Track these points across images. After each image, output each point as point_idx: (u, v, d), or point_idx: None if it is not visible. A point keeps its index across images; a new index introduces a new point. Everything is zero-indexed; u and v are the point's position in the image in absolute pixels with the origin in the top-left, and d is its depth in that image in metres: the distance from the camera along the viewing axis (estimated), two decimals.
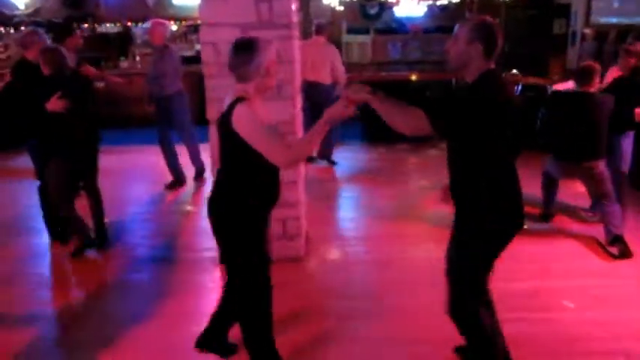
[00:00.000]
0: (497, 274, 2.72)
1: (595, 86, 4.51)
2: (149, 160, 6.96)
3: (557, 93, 4.78)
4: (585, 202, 5.15)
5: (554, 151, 4.73)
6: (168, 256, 4.60)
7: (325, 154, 7.22)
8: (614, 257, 4.28)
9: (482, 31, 2.46)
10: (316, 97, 6.70)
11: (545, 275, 4.05)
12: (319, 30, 6.93)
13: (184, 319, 3.60)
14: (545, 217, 5.12)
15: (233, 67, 2.66)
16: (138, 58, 10.35)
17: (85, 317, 3.70)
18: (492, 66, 2.50)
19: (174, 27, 11.42)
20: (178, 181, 6.30)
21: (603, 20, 8.77)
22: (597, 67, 4.53)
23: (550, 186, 5.00)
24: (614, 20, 8.71)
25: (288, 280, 4.08)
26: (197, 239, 4.90)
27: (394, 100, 2.50)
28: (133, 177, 6.99)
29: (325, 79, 6.84)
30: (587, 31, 9.86)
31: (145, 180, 6.77)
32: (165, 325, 3.55)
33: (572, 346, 3.20)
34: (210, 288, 4.07)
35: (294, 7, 4.07)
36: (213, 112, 4.11)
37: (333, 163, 7.27)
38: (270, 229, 4.24)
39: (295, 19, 4.13)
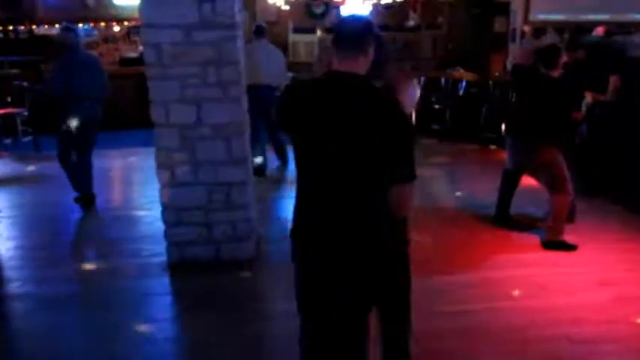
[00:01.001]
0: (441, 267, 2.78)
1: (558, 70, 4.42)
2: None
3: (518, 67, 4.72)
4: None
5: (505, 126, 4.70)
6: (112, 263, 4.49)
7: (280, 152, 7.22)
8: (553, 247, 4.42)
9: None
10: (260, 101, 6.43)
11: (490, 266, 4.16)
12: (261, 32, 6.85)
13: (130, 328, 3.53)
14: (500, 220, 4.86)
15: None
16: None
17: (24, 332, 3.58)
18: None
19: (116, 28, 11.17)
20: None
21: (541, 17, 9.05)
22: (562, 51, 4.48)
23: (507, 184, 4.82)
24: (551, 17, 9.01)
25: (239, 282, 4.06)
26: (143, 245, 4.81)
27: None
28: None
29: (271, 81, 6.79)
30: (526, 28, 10.17)
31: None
32: (109, 337, 3.46)
33: (515, 334, 3.30)
34: (159, 294, 4.01)
35: (237, 7, 4.04)
36: (157, 115, 4.05)
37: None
38: (220, 231, 4.26)
39: (239, 19, 4.10)
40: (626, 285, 3.88)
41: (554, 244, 4.40)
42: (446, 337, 3.27)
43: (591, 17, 8.06)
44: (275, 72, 6.68)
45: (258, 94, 6.43)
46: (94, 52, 11.19)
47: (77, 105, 5.33)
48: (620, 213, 5.16)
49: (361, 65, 2.10)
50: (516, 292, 3.78)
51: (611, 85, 5.69)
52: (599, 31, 6.15)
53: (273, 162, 7.04)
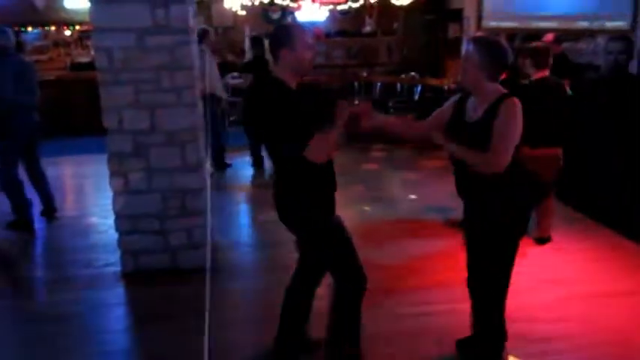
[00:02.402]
0: (399, 271, 2.80)
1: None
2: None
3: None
4: None
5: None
6: (64, 274, 4.35)
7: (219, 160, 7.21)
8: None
9: None
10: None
11: (450, 267, 4.21)
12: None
13: (83, 340, 3.42)
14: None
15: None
16: None
17: None
18: None
19: (67, 32, 10.90)
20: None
21: (493, 24, 9.26)
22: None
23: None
24: (503, 24, 9.23)
25: (195, 290, 3.99)
26: (97, 254, 4.68)
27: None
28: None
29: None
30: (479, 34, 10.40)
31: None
32: (62, 350, 3.36)
33: None
34: (112, 304, 3.90)
35: (191, 12, 3.99)
36: (109, 121, 3.96)
37: (228, 165, 7.27)
38: (176, 238, 4.18)
39: (193, 24, 4.05)
40: (576, 284, 3.99)
41: (545, 239, 4.60)
42: (404, 339, 3.30)
43: (541, 25, 8.31)
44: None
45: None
46: (44, 57, 10.92)
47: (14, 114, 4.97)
48: (580, 220, 5.17)
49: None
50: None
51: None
52: (549, 37, 6.33)
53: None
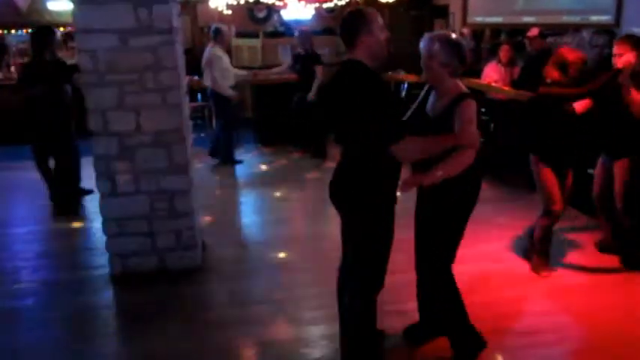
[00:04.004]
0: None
1: None
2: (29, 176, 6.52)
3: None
4: None
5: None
6: (51, 277, 4.32)
7: (228, 157, 7.30)
8: None
9: None
10: (213, 103, 7.18)
11: None
12: (216, 35, 6.93)
13: (71, 344, 3.41)
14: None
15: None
16: (13, 69, 9.65)
17: None
18: None
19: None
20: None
21: (479, 20, 9.30)
22: None
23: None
24: (488, 20, 9.27)
25: (187, 291, 3.99)
26: (85, 257, 4.66)
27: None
28: (12, 195, 6.50)
29: (211, 84, 6.95)
30: (465, 30, 10.43)
31: (25, 198, 6.33)
32: (50, 354, 3.34)
33: None
34: (101, 307, 3.89)
35: (175, 11, 3.97)
36: (94, 123, 3.93)
37: (238, 162, 7.32)
38: (164, 240, 4.16)
39: (177, 24, 4.03)
40: (562, 277, 4.02)
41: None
42: (390, 335, 3.30)
43: (526, 20, 8.36)
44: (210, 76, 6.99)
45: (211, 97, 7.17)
46: (27, 60, 10.79)
47: None
48: (573, 215, 5.13)
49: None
50: (460, 288, 3.85)
51: None
52: (534, 32, 6.37)
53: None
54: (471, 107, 2.76)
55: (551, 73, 3.88)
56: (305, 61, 7.43)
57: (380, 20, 2.67)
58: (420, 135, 2.79)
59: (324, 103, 2.81)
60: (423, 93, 3.04)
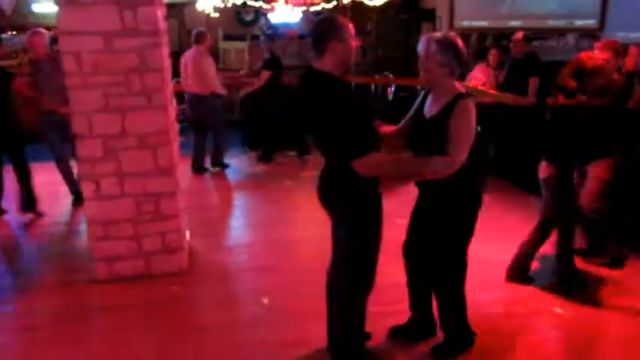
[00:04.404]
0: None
1: None
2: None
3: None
4: None
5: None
6: (39, 282, 4.27)
7: (216, 159, 7.24)
8: None
9: None
10: (196, 109, 6.95)
11: None
12: (196, 39, 6.84)
13: (62, 348, 3.36)
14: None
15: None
16: None
17: None
18: None
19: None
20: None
21: (465, 24, 9.36)
22: None
23: None
24: (474, 24, 9.34)
25: (172, 295, 3.96)
26: (70, 261, 4.60)
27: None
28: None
29: (198, 89, 6.80)
30: (452, 34, 10.47)
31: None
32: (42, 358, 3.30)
33: None
34: (88, 312, 3.84)
35: (160, 13, 3.95)
36: (79, 125, 3.90)
37: (225, 166, 7.27)
38: (150, 243, 4.13)
39: (162, 25, 4.01)
40: (547, 278, 4.04)
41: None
42: (379, 336, 3.30)
43: (512, 24, 8.43)
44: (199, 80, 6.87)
45: (192, 102, 6.97)
46: (14, 62, 10.68)
47: None
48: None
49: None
50: None
51: (530, 87, 5.95)
52: (518, 36, 6.41)
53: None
54: (469, 110, 2.74)
55: (568, 82, 3.75)
56: (268, 64, 7.43)
57: (351, 28, 2.66)
58: (418, 138, 2.83)
59: (290, 114, 2.81)
60: (420, 97, 3.03)
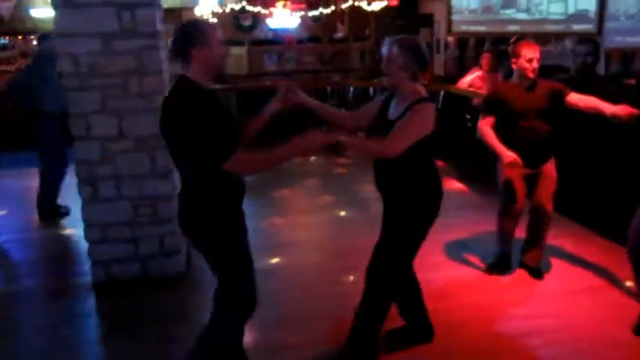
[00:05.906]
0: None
1: None
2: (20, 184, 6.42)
3: None
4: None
5: None
6: (36, 285, 4.23)
7: None
8: None
9: None
10: None
11: (422, 268, 4.21)
12: None
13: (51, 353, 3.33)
14: None
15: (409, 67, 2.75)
16: None
17: None
18: None
19: (35, 42, 10.70)
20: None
21: (463, 29, 9.39)
22: None
23: None
24: (472, 29, 9.37)
25: (170, 298, 3.92)
26: (66, 264, 4.57)
27: None
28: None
29: None
30: (450, 39, 10.52)
31: (12, 205, 6.22)
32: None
33: (451, 333, 3.35)
34: (82, 315, 3.81)
35: (158, 15, 3.94)
36: (76, 127, 3.88)
37: None
38: (147, 246, 4.10)
39: (161, 28, 4.00)
40: (550, 281, 4.01)
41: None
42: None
43: (509, 29, 8.45)
44: None
45: None
46: (12, 67, 10.69)
47: None
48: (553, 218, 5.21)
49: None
50: (450, 292, 3.84)
51: None
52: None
53: None
54: (424, 111, 2.72)
55: None
56: None
57: (218, 33, 2.55)
58: (377, 137, 2.82)
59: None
60: (383, 99, 2.99)
